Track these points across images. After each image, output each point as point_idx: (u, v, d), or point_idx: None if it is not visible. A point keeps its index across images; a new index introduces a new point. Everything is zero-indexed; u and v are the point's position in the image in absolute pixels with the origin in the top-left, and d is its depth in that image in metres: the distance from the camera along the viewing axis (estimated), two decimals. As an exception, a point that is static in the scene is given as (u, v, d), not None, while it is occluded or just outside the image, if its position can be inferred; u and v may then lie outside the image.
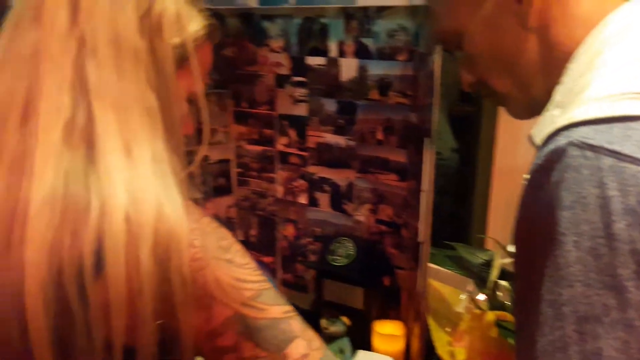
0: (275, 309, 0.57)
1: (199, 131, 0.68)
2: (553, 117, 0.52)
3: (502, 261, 0.98)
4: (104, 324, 0.50)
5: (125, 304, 0.50)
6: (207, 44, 0.66)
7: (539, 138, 0.51)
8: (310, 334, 0.59)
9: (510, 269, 1.01)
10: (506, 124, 1.25)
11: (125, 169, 0.52)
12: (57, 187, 0.50)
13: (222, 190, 1.53)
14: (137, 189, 0.51)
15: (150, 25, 0.56)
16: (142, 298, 0.50)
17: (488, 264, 1.07)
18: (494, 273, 0.97)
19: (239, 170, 1.52)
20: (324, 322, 1.23)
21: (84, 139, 0.53)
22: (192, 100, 0.64)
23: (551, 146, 0.47)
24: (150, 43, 0.56)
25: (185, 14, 0.60)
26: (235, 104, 1.46)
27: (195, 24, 0.61)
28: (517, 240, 0.52)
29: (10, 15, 0.57)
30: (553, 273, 0.45)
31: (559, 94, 0.54)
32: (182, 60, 0.60)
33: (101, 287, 0.49)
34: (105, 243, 0.49)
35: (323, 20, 1.25)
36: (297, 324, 0.58)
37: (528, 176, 0.50)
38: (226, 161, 1.51)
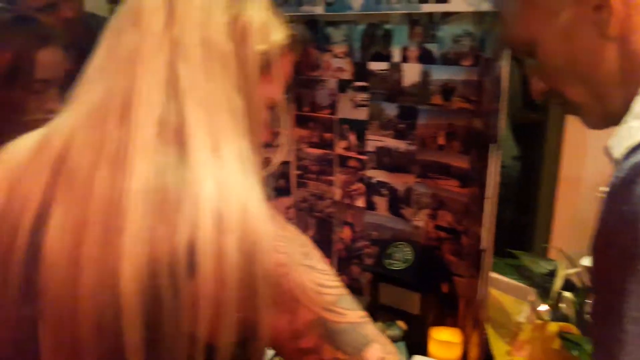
0: (353, 313, 0.60)
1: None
2: (632, 130, 0.51)
3: (566, 272, 0.96)
4: (192, 316, 0.52)
5: (212, 297, 0.52)
6: (289, 53, 0.68)
7: (618, 151, 0.50)
8: (384, 338, 0.61)
9: (575, 280, 0.98)
10: (573, 132, 1.21)
11: (214, 165, 0.54)
12: (151, 180, 0.53)
13: (281, 192, 1.57)
14: (225, 186, 0.53)
15: (238, 31, 0.60)
16: (226, 293, 0.52)
17: (552, 274, 1.05)
18: (558, 283, 0.95)
19: (299, 172, 1.56)
20: (379, 326, 1.23)
21: (176, 136, 0.55)
22: (270, 108, 0.67)
23: (634, 159, 0.47)
24: (237, 48, 0.60)
25: (270, 24, 0.63)
26: (297, 107, 1.50)
27: (278, 34, 0.64)
28: (596, 254, 0.50)
29: (112, 20, 0.62)
30: (636, 289, 0.44)
31: (638, 104, 0.53)
32: (265, 68, 0.63)
33: (192, 280, 0.51)
34: (196, 237, 0.51)
35: (387, 26, 1.26)
36: (372, 329, 0.60)
37: (607, 189, 0.49)
38: (286, 163, 1.55)
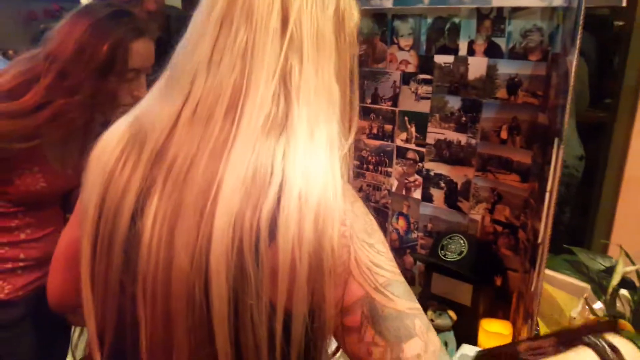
0: (402, 302, 0.58)
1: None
2: None
3: (625, 269, 0.95)
4: (272, 287, 0.56)
5: (289, 269, 0.55)
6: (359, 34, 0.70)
7: None
8: (431, 337, 0.58)
9: (633, 277, 0.97)
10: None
11: (306, 152, 0.58)
12: (248, 169, 0.57)
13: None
14: (311, 171, 0.57)
15: (339, 22, 0.63)
16: (301, 265, 0.55)
17: (608, 271, 1.04)
18: (615, 279, 0.94)
19: (356, 162, 1.59)
20: (430, 314, 1.26)
21: (279, 127, 0.59)
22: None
23: None
24: (337, 38, 0.63)
25: (353, 7, 0.66)
26: (360, 99, 1.53)
27: (357, 15, 0.67)
28: None
29: (209, 17, 0.62)
30: None
31: None
32: (352, 46, 0.66)
33: (272, 254, 0.55)
34: (279, 216, 0.55)
35: (455, 19, 1.28)
36: (420, 324, 0.58)
37: None
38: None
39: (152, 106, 0.66)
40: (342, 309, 0.59)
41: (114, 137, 0.67)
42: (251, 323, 0.57)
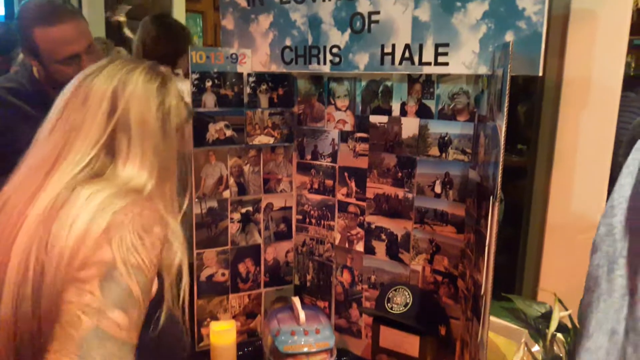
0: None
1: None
2: None
3: (560, 314, 1.02)
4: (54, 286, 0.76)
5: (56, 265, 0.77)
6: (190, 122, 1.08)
7: None
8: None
9: (567, 322, 1.05)
10: (559, 176, 1.31)
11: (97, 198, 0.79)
12: (47, 208, 0.77)
13: (282, 235, 1.63)
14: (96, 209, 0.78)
15: (163, 113, 0.89)
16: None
17: (543, 316, 1.11)
18: (553, 326, 1.01)
19: (299, 217, 1.62)
20: (380, 367, 1.28)
21: (91, 177, 0.82)
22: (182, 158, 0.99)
23: None
24: (162, 124, 0.89)
25: (180, 105, 0.94)
26: (300, 155, 1.58)
27: (184, 111, 0.96)
28: None
29: (63, 95, 0.89)
30: None
31: None
32: (180, 134, 0.94)
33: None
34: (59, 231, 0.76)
35: (387, 82, 1.36)
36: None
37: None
38: (288, 208, 1.62)
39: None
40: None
41: None
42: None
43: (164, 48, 1.43)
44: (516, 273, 1.54)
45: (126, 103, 0.85)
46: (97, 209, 0.77)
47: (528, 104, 2.29)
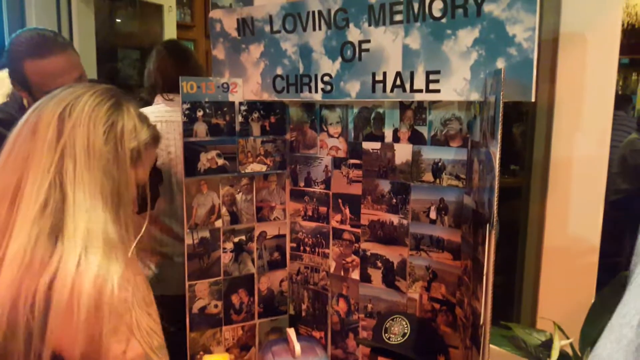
0: None
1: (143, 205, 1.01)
2: None
3: (561, 342, 1.00)
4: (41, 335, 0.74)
5: (64, 318, 0.74)
6: (153, 146, 0.98)
7: None
8: None
9: (569, 350, 1.03)
10: (555, 198, 1.30)
11: (82, 242, 0.76)
12: (27, 245, 0.75)
13: (276, 264, 1.60)
14: (87, 253, 0.77)
15: (115, 136, 0.86)
16: (78, 315, 0.75)
17: (544, 345, 1.09)
18: (554, 356, 0.99)
19: (293, 245, 1.60)
20: (379, 400, 1.24)
21: (56, 213, 0.78)
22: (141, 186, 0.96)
23: None
24: (113, 147, 0.86)
25: (139, 127, 0.90)
26: (293, 183, 1.56)
27: (144, 134, 0.92)
28: None
29: (10, 136, 0.86)
30: None
31: None
32: (136, 158, 0.90)
33: (47, 311, 0.74)
34: (56, 280, 0.74)
35: (379, 109, 1.36)
36: None
37: None
38: (282, 236, 1.59)
39: None
40: None
41: None
42: None
43: (180, 74, 1.43)
44: (514, 297, 1.53)
45: (72, 128, 0.83)
46: (102, 284, 0.75)
47: (524, 126, 2.30)
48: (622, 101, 3.99)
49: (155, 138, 0.98)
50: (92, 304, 0.74)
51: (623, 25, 1.22)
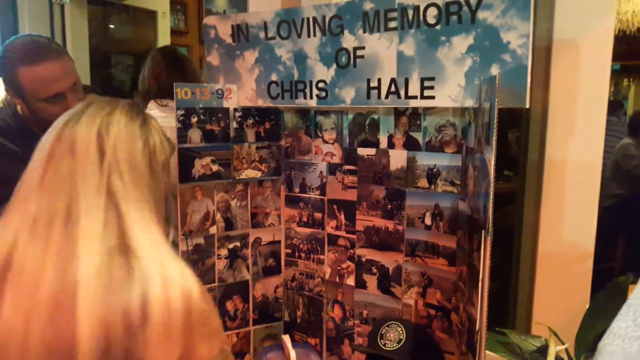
0: None
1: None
2: None
3: (556, 348, 1.00)
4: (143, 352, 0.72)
5: (163, 336, 0.73)
6: (172, 156, 1.02)
7: None
8: None
9: (564, 356, 1.03)
10: (549, 204, 1.31)
11: (155, 256, 0.77)
12: (100, 265, 0.73)
13: (271, 270, 1.60)
14: (162, 259, 0.77)
15: (149, 151, 0.88)
16: (173, 332, 0.75)
17: (539, 351, 1.09)
18: (550, 360, 0.99)
19: (288, 251, 1.59)
20: (374, 407, 1.24)
21: (117, 230, 0.77)
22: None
23: None
24: (149, 162, 0.88)
25: (164, 141, 0.93)
26: (288, 189, 1.56)
27: (168, 146, 0.94)
28: None
29: (42, 146, 0.84)
30: None
31: None
32: (166, 171, 0.93)
33: (144, 329, 0.72)
34: (149, 299, 0.72)
35: (374, 116, 1.36)
36: None
37: None
38: (277, 242, 1.59)
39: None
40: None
41: None
42: None
43: (176, 80, 1.43)
44: (509, 302, 1.53)
45: (113, 147, 0.84)
46: (189, 292, 0.77)
47: (519, 132, 2.31)
48: (614, 107, 4.03)
49: (173, 149, 1.03)
50: (185, 314, 0.74)
51: (614, 31, 1.23)
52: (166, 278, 0.75)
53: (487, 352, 1.23)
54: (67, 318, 0.70)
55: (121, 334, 0.71)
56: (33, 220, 0.77)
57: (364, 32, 1.25)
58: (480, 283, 0.95)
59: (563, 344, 1.02)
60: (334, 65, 1.30)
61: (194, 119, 1.43)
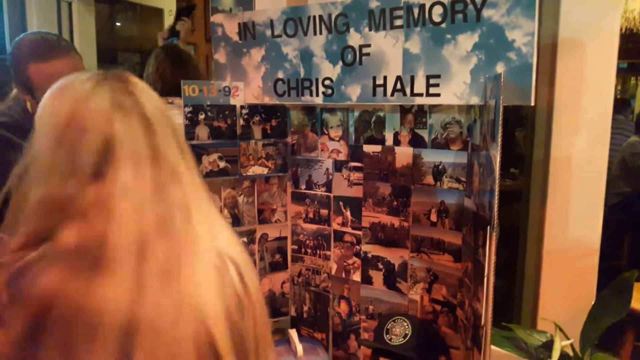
0: None
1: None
2: None
3: (562, 343, 1.01)
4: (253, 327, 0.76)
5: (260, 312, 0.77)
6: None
7: None
8: None
9: (569, 351, 1.04)
10: (555, 201, 1.31)
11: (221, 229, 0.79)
12: (210, 263, 0.73)
13: (277, 266, 1.61)
14: (229, 238, 0.79)
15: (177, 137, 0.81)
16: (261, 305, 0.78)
17: (545, 346, 1.10)
18: (555, 356, 1.00)
19: (295, 247, 1.61)
20: (380, 401, 1.25)
21: (209, 219, 0.77)
22: None
23: None
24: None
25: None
26: (294, 185, 1.57)
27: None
28: None
29: (123, 157, 0.73)
30: None
31: None
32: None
33: (249, 305, 0.75)
34: (245, 278, 0.75)
35: (380, 113, 1.37)
36: None
37: None
38: (283, 238, 1.60)
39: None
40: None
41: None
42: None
43: (180, 77, 1.45)
44: (514, 298, 1.54)
45: (153, 110, 0.76)
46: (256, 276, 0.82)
47: (524, 129, 2.31)
48: (621, 105, 4.02)
49: None
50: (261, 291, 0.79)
51: (621, 30, 1.23)
52: (243, 259, 0.77)
53: (492, 347, 1.24)
54: (195, 312, 0.69)
55: (239, 321, 0.73)
56: (156, 221, 0.71)
57: (370, 30, 1.26)
58: (485, 279, 0.96)
59: (568, 339, 1.03)
60: (340, 63, 1.32)
61: (202, 116, 1.44)
